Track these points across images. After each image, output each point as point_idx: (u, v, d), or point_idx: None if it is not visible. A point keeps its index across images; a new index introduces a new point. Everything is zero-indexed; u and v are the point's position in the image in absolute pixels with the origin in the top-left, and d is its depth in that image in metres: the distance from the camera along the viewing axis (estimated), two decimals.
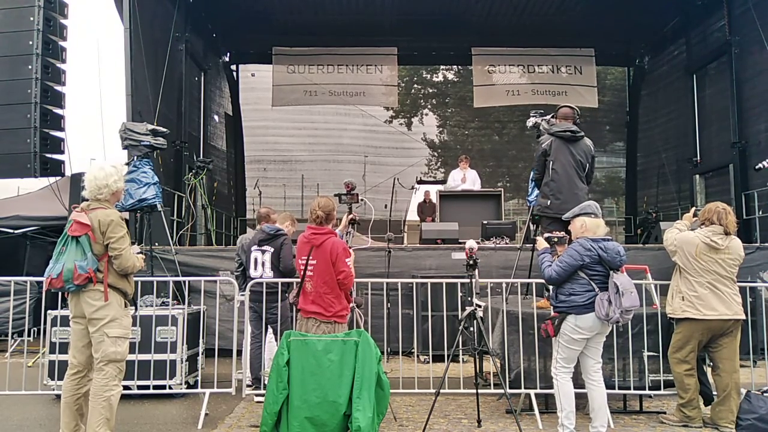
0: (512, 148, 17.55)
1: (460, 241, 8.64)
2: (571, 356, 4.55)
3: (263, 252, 5.87)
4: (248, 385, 5.71)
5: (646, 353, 5.23)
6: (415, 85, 18.64)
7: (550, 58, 15.44)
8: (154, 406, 5.66)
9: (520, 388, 5.23)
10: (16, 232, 9.51)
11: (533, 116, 6.40)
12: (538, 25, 14.16)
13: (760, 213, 10.35)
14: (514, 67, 15.65)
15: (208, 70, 13.98)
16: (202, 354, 6.41)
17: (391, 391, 4.55)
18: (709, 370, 5.28)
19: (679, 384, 5.01)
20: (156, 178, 7.25)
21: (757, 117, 10.99)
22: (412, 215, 14.48)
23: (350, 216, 5.52)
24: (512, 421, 4.94)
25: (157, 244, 7.67)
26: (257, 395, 5.55)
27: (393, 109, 17.15)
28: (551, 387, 4.72)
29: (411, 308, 7.26)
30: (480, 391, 5.06)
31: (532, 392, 5.21)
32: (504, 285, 5.77)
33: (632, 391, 5.29)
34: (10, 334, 7.85)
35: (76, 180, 8.19)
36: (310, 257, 4.59)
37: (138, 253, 4.37)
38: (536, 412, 5.12)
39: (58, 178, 8.82)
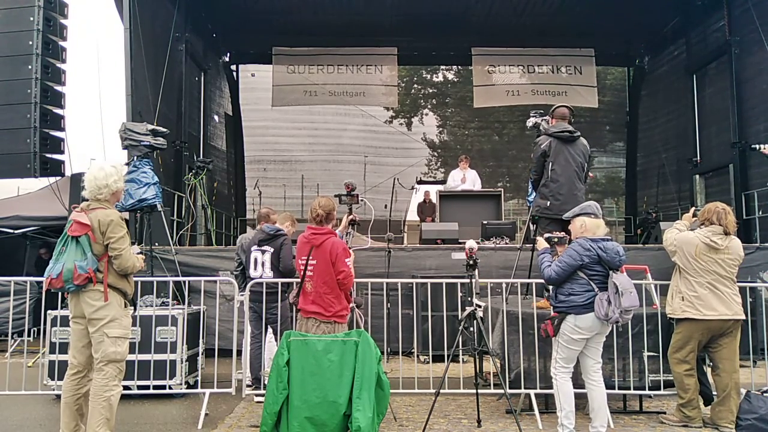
0: (512, 148, 17.55)
1: (460, 241, 8.64)
2: (571, 356, 4.56)
3: (263, 252, 5.87)
4: (248, 385, 5.71)
5: (646, 353, 5.23)
6: (415, 85, 18.64)
7: (550, 58, 15.43)
8: (154, 406, 5.66)
9: (520, 388, 5.23)
10: (16, 232, 9.51)
11: (533, 116, 6.40)
12: (538, 25, 14.16)
13: (760, 213, 10.35)
14: (514, 67, 15.64)
15: (208, 70, 13.98)
16: (202, 354, 6.42)
17: (391, 391, 4.55)
18: (709, 370, 5.28)
19: (679, 384, 5.01)
20: (156, 178, 7.26)
21: (757, 117, 10.99)
22: (412, 215, 14.48)
23: (350, 217, 5.52)
24: (512, 421, 4.94)
25: (157, 244, 7.67)
26: (257, 395, 5.56)
27: (393, 109, 17.15)
28: (551, 387, 4.72)
29: (411, 308, 7.26)
30: (480, 391, 5.06)
31: (532, 392, 5.21)
32: (504, 285, 5.77)
33: (632, 391, 5.29)
34: (10, 334, 7.85)
35: (76, 180, 8.20)
36: (310, 257, 4.59)
37: (138, 253, 4.38)
38: (536, 412, 5.12)
39: (58, 178, 8.83)
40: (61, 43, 8.63)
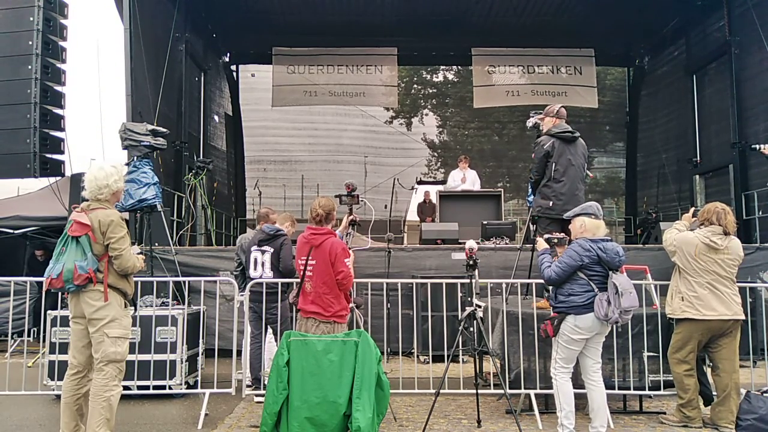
0: (512, 148, 17.55)
1: (460, 241, 8.65)
2: (571, 356, 4.56)
3: (263, 252, 5.88)
4: (248, 386, 5.71)
5: (645, 353, 5.23)
6: (415, 86, 18.64)
7: (549, 59, 15.43)
8: (154, 406, 5.66)
9: (520, 388, 5.23)
10: (16, 232, 9.51)
11: (533, 116, 6.40)
12: (538, 25, 14.16)
13: (760, 213, 10.36)
14: (514, 68, 15.64)
15: (208, 71, 13.98)
16: (202, 354, 6.42)
17: (391, 391, 4.55)
18: (708, 371, 5.27)
19: (678, 384, 5.02)
20: (156, 179, 7.25)
21: (757, 117, 10.99)
22: (412, 215, 14.48)
23: (350, 217, 5.52)
24: (512, 421, 4.94)
25: (157, 244, 7.67)
26: (257, 395, 5.56)
27: (393, 109, 17.15)
28: (551, 387, 4.72)
29: (411, 308, 7.25)
30: (480, 391, 5.07)
31: (531, 392, 5.21)
32: (504, 285, 5.77)
33: (632, 392, 5.29)
34: (10, 334, 7.85)
35: (76, 180, 8.20)
36: (310, 257, 4.60)
37: (138, 253, 4.38)
38: (536, 412, 5.12)
39: (58, 178, 8.82)
40: (61, 43, 8.63)
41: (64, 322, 5.49)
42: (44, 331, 5.76)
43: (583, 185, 5.89)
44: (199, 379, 5.87)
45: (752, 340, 5.57)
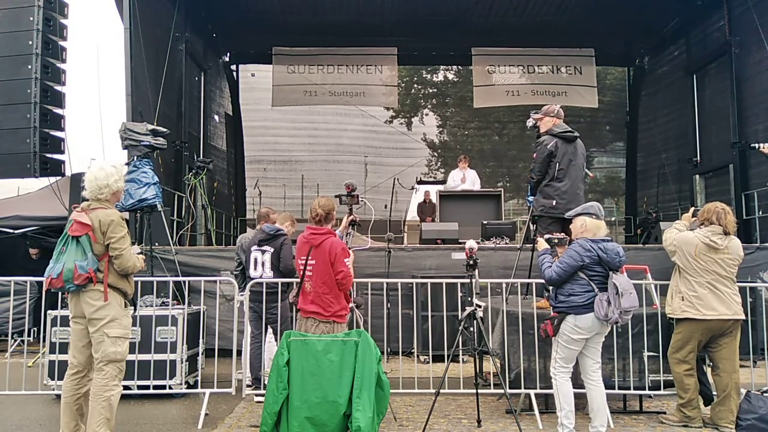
0: (512, 148, 17.55)
1: (460, 241, 8.65)
2: (570, 356, 4.56)
3: (263, 252, 5.88)
4: (248, 385, 5.71)
5: (646, 353, 5.23)
6: (415, 85, 18.65)
7: (550, 59, 15.43)
8: (154, 406, 5.66)
9: (520, 388, 5.23)
10: (16, 232, 9.50)
11: (533, 116, 6.39)
12: (538, 25, 14.16)
13: (760, 213, 10.36)
14: (514, 68, 15.64)
15: (208, 70, 13.98)
16: (202, 354, 6.41)
17: (391, 391, 4.55)
18: (708, 370, 5.27)
19: (678, 384, 5.02)
20: (156, 178, 7.25)
21: (757, 117, 11.00)
22: (412, 215, 14.49)
23: (351, 217, 5.52)
24: (512, 421, 4.94)
25: (157, 244, 7.67)
26: (257, 395, 5.56)
27: (393, 109, 17.16)
28: (551, 387, 4.72)
29: (411, 308, 7.26)
30: (480, 391, 5.07)
31: (532, 392, 5.22)
32: (504, 285, 5.77)
33: (632, 391, 5.29)
34: (10, 334, 7.85)
35: (76, 180, 8.19)
36: (309, 257, 4.60)
37: (138, 253, 4.37)
38: (536, 412, 5.12)
39: (58, 178, 8.81)
40: (61, 43, 8.62)
41: (64, 321, 5.49)
42: (44, 331, 5.76)
43: (583, 185, 5.91)
44: (199, 378, 5.87)
45: (752, 340, 5.58)
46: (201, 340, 6.40)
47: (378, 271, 7.73)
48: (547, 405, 5.25)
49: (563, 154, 5.74)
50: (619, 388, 5.27)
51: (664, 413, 5.26)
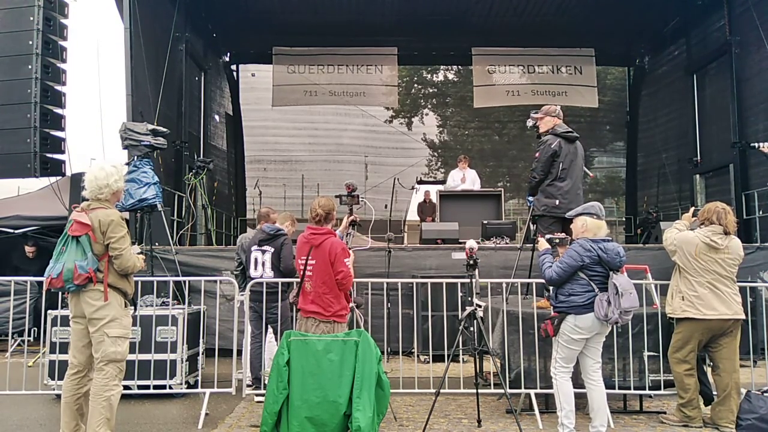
0: (512, 148, 17.56)
1: (460, 241, 8.64)
2: (571, 356, 4.56)
3: (263, 252, 5.88)
4: (248, 385, 5.71)
5: (646, 353, 5.23)
6: (415, 85, 18.65)
7: (550, 58, 15.42)
8: (154, 406, 5.66)
9: (520, 388, 5.23)
10: (16, 232, 9.50)
11: (533, 116, 6.40)
12: (538, 25, 14.16)
13: (760, 213, 10.36)
14: (514, 68, 15.64)
15: (208, 70, 13.98)
16: (203, 354, 6.41)
17: (391, 391, 4.55)
18: (709, 370, 5.28)
19: (679, 384, 5.02)
20: (156, 178, 7.25)
21: (757, 116, 11.00)
22: (412, 215, 14.48)
23: (351, 217, 5.52)
24: (512, 421, 4.94)
25: (157, 244, 7.66)
26: (257, 395, 5.56)
27: (393, 109, 17.15)
28: (551, 387, 4.72)
29: (411, 308, 7.26)
30: (480, 391, 5.06)
31: (532, 392, 5.22)
32: (504, 285, 5.78)
33: (632, 391, 5.29)
34: (10, 334, 7.84)
35: (76, 180, 8.19)
36: (309, 257, 4.60)
37: (138, 253, 4.37)
38: (536, 412, 5.12)
39: (58, 178, 8.81)
40: (61, 42, 8.62)
41: (64, 321, 5.49)
42: (44, 331, 5.76)
43: (583, 185, 5.92)
44: (199, 378, 5.87)
45: (752, 340, 5.58)
46: (201, 340, 6.39)
47: (378, 271, 7.73)
48: (548, 405, 5.25)
49: (566, 154, 5.76)
50: (620, 388, 5.27)
51: (665, 413, 5.26)
